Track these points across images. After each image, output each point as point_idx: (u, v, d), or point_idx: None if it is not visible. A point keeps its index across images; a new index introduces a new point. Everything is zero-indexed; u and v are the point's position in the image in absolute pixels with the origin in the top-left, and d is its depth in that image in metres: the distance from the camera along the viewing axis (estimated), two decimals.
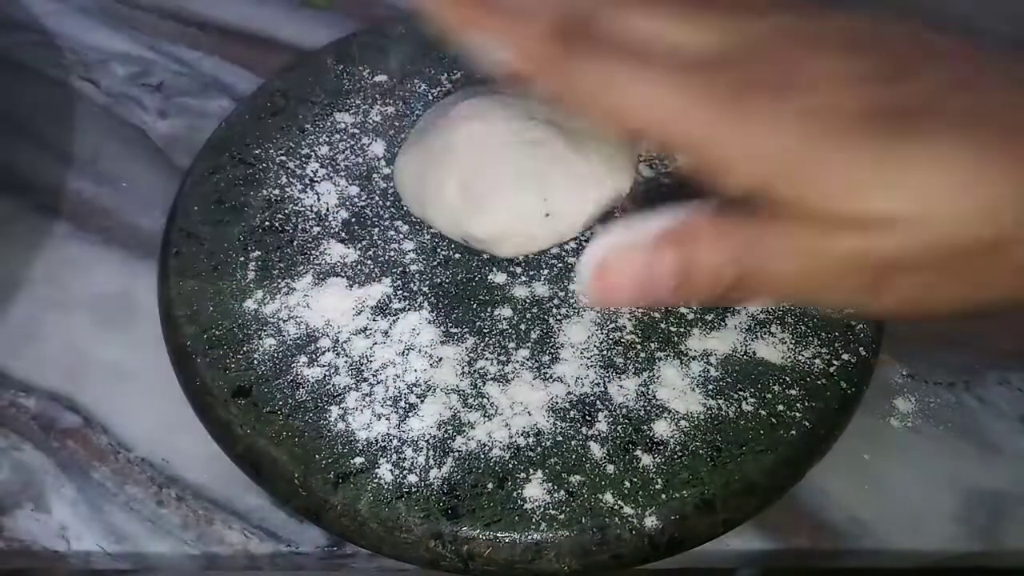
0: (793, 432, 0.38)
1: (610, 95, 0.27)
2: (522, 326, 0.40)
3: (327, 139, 0.47)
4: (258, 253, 0.42)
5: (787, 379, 0.39)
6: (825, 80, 0.25)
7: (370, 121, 0.48)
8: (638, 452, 0.37)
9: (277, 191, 0.45)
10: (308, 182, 0.45)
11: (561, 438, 0.37)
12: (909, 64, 0.26)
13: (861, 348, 0.40)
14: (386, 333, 0.40)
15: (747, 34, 0.27)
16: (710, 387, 0.39)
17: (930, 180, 0.24)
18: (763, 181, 0.25)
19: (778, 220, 0.25)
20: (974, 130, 0.24)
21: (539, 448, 0.37)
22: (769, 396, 0.39)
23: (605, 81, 0.26)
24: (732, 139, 0.25)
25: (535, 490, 0.36)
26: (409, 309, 0.41)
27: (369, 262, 0.42)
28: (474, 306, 0.41)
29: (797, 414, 0.38)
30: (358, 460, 0.36)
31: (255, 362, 0.39)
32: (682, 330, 0.40)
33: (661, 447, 0.37)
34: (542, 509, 0.35)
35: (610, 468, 0.36)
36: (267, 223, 0.44)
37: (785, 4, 0.28)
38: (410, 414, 0.38)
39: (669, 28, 0.27)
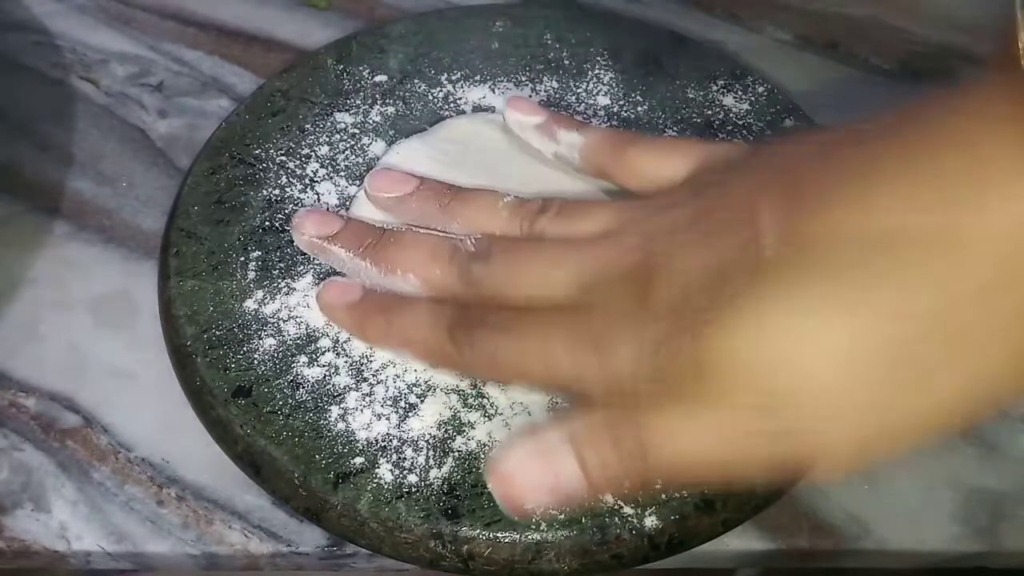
0: None
1: (497, 369, 0.35)
2: None
3: (327, 139, 0.47)
4: (258, 253, 0.42)
5: None
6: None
7: (370, 121, 0.48)
8: None
9: (277, 191, 0.45)
10: (308, 182, 0.45)
11: None
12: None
13: None
14: None
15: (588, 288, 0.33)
16: None
17: None
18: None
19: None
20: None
21: None
22: None
23: (491, 361, 0.34)
24: (598, 373, 0.30)
25: None
26: None
27: None
28: None
29: None
30: (358, 460, 0.36)
31: (255, 362, 0.39)
32: None
33: None
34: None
35: None
36: (267, 223, 0.44)
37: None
38: (410, 414, 0.38)
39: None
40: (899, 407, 0.27)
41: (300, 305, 0.41)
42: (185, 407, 0.39)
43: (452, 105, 0.49)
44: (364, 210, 0.43)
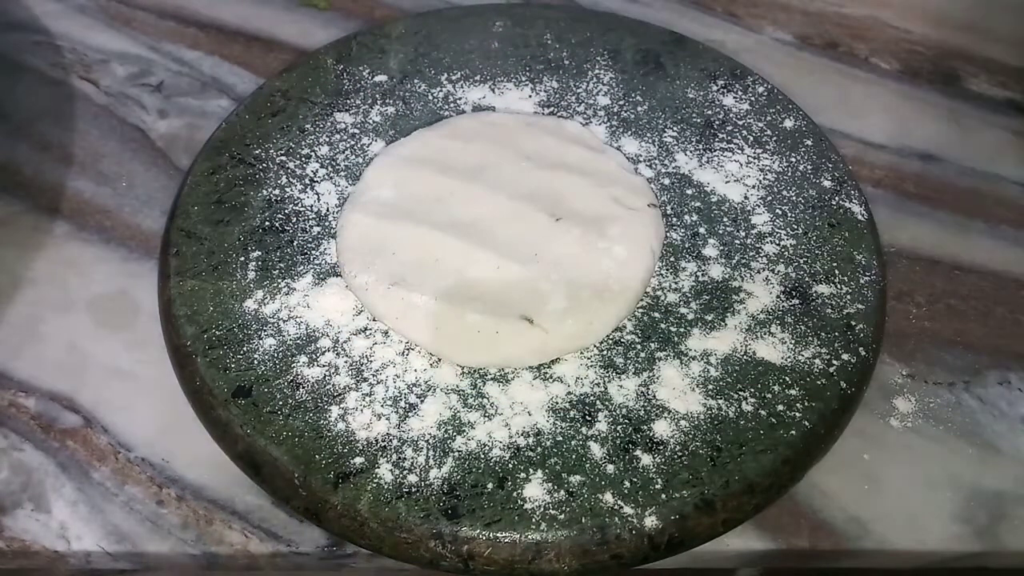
0: (793, 432, 0.38)
1: None
2: None
3: (327, 139, 0.47)
4: (258, 253, 0.42)
5: (787, 379, 0.39)
6: None
7: (370, 121, 0.48)
8: (638, 452, 0.37)
9: (277, 191, 0.45)
10: (308, 182, 0.45)
11: (561, 438, 0.37)
12: None
13: (861, 348, 0.40)
14: (386, 333, 0.40)
15: None
16: (710, 387, 0.39)
17: None
18: None
19: None
20: None
21: (539, 448, 0.37)
22: (769, 396, 0.39)
23: None
24: None
25: (535, 490, 0.36)
26: None
27: None
28: None
29: (797, 414, 0.38)
30: (358, 460, 0.36)
31: (255, 362, 0.39)
32: (682, 330, 0.40)
33: (661, 447, 0.37)
34: (542, 509, 0.35)
35: (610, 468, 0.36)
36: (267, 223, 0.44)
37: None
38: (410, 414, 0.38)
39: None
40: None
41: (300, 305, 0.41)
42: (185, 407, 0.39)
43: (452, 105, 0.49)
44: (359, 209, 0.43)
